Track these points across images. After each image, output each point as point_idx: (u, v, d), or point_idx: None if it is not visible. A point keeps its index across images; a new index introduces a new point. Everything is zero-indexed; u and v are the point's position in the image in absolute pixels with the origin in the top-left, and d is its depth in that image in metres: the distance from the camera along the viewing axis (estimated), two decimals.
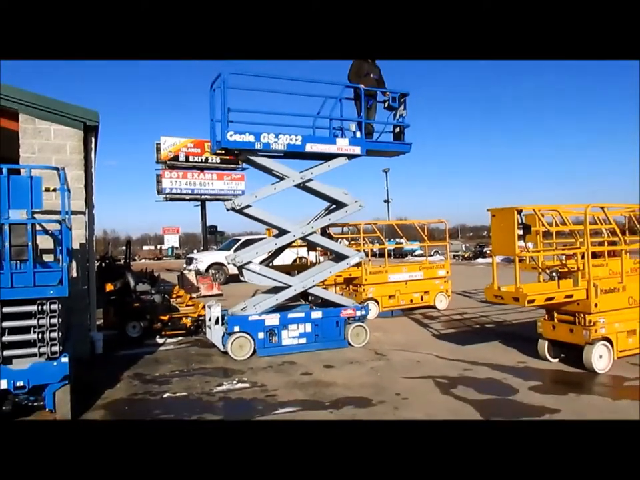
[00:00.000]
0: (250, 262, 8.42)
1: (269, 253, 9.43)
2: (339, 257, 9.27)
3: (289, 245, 9.53)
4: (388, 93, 9.13)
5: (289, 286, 8.67)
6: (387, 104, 9.15)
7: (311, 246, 11.52)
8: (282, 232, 8.87)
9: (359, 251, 9.60)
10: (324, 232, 10.86)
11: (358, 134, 8.85)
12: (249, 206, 8.36)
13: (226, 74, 7.89)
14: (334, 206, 9.19)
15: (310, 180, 8.66)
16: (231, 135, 8.02)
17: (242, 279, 8.70)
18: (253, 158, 8.43)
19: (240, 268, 8.45)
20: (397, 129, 9.28)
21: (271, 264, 9.78)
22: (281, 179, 8.61)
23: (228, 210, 8.28)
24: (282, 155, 8.64)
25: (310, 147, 8.46)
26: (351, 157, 8.81)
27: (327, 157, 8.74)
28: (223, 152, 8.62)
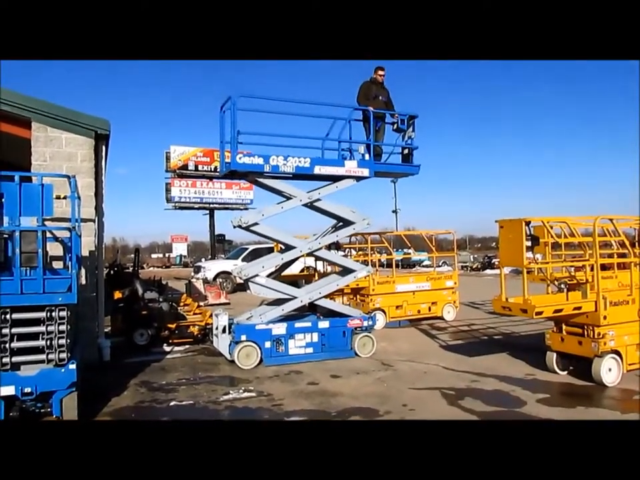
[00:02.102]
0: (256, 275, 8.45)
1: (276, 266, 9.44)
2: (346, 270, 9.29)
3: (296, 259, 9.55)
4: (396, 115, 9.20)
5: (296, 297, 8.69)
6: (395, 126, 9.21)
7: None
8: (289, 247, 8.93)
9: (366, 263, 9.59)
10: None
11: (367, 156, 8.90)
12: (255, 223, 8.40)
13: (236, 97, 7.95)
14: (341, 223, 9.22)
15: (318, 200, 8.70)
16: (240, 158, 8.08)
17: (248, 292, 8.72)
18: (261, 179, 8.50)
19: (246, 281, 8.49)
20: (406, 151, 9.32)
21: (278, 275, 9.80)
22: (288, 198, 8.66)
23: (235, 227, 8.33)
24: (290, 176, 8.68)
25: (318, 170, 8.51)
26: (359, 178, 8.86)
27: (335, 178, 8.78)
28: (231, 173, 8.68)
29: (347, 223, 9.05)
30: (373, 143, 8.94)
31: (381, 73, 9.34)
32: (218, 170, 33.64)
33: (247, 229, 8.40)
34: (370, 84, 9.28)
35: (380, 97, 9.24)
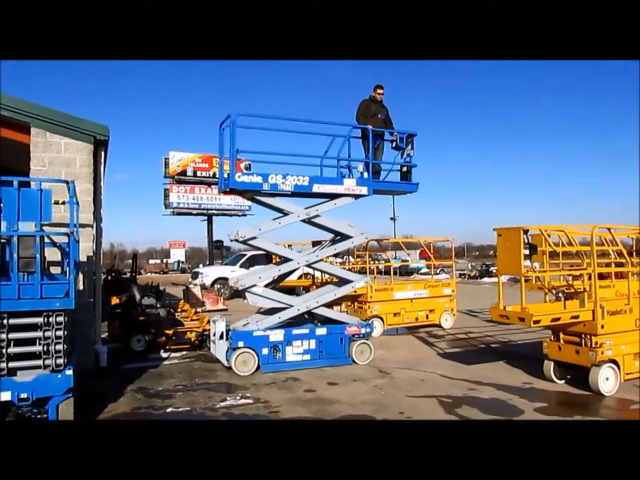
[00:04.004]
0: (253, 285, 8.46)
1: (273, 277, 9.45)
2: (344, 280, 9.32)
3: (294, 271, 9.57)
4: (395, 133, 9.25)
5: (293, 306, 8.71)
6: (394, 144, 9.27)
7: None
8: (286, 259, 8.97)
9: (363, 269, 9.60)
10: None
11: (365, 174, 8.94)
12: (253, 237, 8.41)
13: (235, 115, 7.97)
14: (339, 237, 9.24)
15: (316, 216, 8.74)
16: (239, 176, 8.09)
17: (245, 301, 8.73)
18: (259, 197, 8.51)
19: (243, 291, 8.49)
20: (404, 169, 9.37)
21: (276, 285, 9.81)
22: (286, 213, 8.69)
23: (231, 241, 8.37)
24: (289, 193, 8.70)
25: (317, 188, 8.56)
26: (357, 196, 8.90)
27: (334, 195, 8.81)
28: (230, 191, 8.69)
29: (345, 236, 9.09)
30: (371, 161, 8.99)
31: (380, 91, 9.43)
32: (217, 176, 33.86)
33: (244, 242, 8.44)
34: (369, 102, 9.35)
35: (379, 115, 9.30)
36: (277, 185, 8.28)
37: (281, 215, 8.73)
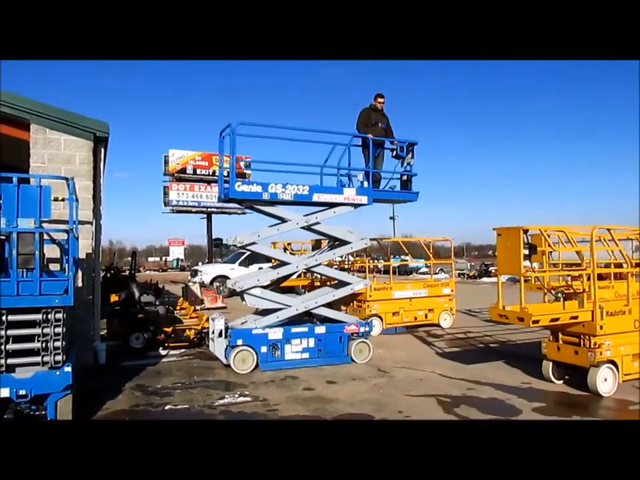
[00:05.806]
0: (252, 287, 8.47)
1: (271, 280, 9.46)
2: (342, 283, 9.33)
3: (292, 274, 9.58)
4: (396, 142, 9.25)
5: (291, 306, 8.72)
6: (394, 152, 9.26)
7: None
8: (285, 263, 8.99)
9: (363, 268, 9.58)
10: None
11: (365, 183, 8.93)
12: (251, 243, 8.42)
13: (235, 124, 7.95)
14: (338, 242, 9.25)
15: (315, 224, 8.76)
16: (239, 186, 8.09)
17: (243, 303, 8.74)
18: (258, 206, 8.52)
19: (241, 292, 8.50)
20: (404, 177, 9.37)
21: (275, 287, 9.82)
22: (286, 221, 8.70)
23: (230, 246, 8.37)
24: (288, 202, 8.69)
25: (317, 197, 8.56)
26: (357, 205, 8.91)
27: (334, 204, 8.81)
28: (229, 199, 8.68)
29: (344, 241, 9.10)
30: (372, 170, 8.98)
31: (380, 100, 9.43)
32: (216, 174, 33.88)
33: (243, 247, 8.42)
34: (370, 111, 9.35)
35: (379, 124, 9.30)
36: (276, 194, 8.27)
37: (280, 221, 8.74)
